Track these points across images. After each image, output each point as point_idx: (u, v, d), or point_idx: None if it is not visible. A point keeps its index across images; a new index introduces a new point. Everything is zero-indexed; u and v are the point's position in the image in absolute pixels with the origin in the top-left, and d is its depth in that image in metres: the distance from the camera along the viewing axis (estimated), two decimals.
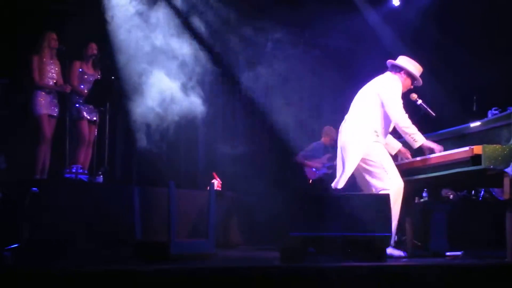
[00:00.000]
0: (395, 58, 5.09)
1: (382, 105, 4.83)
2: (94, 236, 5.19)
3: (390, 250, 4.55)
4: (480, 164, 4.22)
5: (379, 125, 4.84)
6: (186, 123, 8.34)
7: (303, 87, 9.20)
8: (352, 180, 5.01)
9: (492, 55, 8.23)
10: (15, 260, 4.16)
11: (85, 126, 6.67)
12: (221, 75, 8.77)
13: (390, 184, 4.65)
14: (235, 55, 8.84)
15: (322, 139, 8.08)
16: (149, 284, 3.08)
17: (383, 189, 4.63)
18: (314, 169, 7.88)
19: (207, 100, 8.57)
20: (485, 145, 4.24)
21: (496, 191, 6.97)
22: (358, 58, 9.08)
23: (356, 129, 4.84)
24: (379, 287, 3.36)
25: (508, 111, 4.53)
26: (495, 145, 4.25)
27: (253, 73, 8.92)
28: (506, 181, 4.21)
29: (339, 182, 4.85)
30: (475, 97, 6.53)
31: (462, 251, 5.04)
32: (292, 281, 3.27)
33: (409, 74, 4.96)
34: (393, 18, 8.70)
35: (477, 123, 4.83)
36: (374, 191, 4.72)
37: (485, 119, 5.00)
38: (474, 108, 6.95)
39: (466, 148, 4.38)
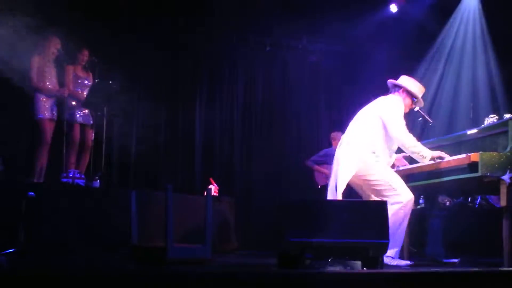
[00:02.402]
0: (394, 71, 5.08)
1: (384, 127, 4.80)
2: (91, 240, 5.18)
3: (396, 262, 4.59)
4: (477, 171, 4.24)
5: (379, 146, 4.81)
6: (183, 127, 8.37)
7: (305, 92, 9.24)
8: (350, 191, 5.03)
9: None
10: (10, 264, 4.14)
11: (76, 130, 6.66)
12: (220, 78, 8.80)
13: (401, 198, 4.66)
14: (235, 58, 8.89)
15: (333, 145, 8.11)
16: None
17: (395, 203, 4.64)
18: (324, 175, 7.91)
19: (205, 103, 8.63)
20: (482, 152, 4.26)
21: (492, 198, 6.99)
22: (361, 63, 9.13)
23: (354, 151, 4.80)
24: None
25: (505, 118, 4.54)
26: (492, 153, 4.28)
27: (252, 77, 8.98)
28: (503, 189, 4.23)
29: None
30: (471, 104, 6.56)
31: (458, 258, 5.06)
32: (290, 287, 3.27)
33: (410, 94, 4.94)
34: (392, 25, 8.72)
35: (474, 130, 4.86)
36: None
37: (482, 126, 5.02)
38: (471, 115, 6.96)
39: (463, 155, 4.40)
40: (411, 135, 4.77)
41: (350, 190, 4.98)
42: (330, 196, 4.88)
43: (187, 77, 8.54)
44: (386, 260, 4.52)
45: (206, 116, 8.63)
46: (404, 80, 5.00)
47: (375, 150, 4.79)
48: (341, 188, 4.76)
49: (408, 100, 4.95)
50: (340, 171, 4.80)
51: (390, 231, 4.47)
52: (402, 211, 4.63)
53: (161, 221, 4.38)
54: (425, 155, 4.71)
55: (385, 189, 4.72)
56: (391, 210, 4.57)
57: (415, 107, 5.00)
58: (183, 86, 8.52)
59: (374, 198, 4.84)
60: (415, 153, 4.73)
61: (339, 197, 4.76)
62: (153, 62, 8.18)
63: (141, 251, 4.59)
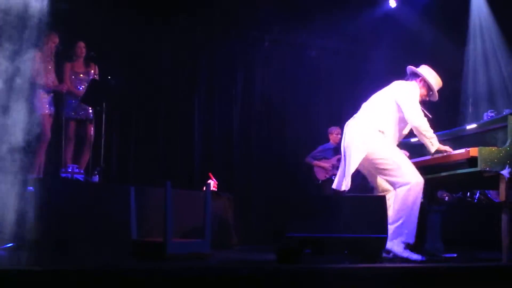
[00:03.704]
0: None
1: (398, 111, 4.73)
2: (90, 236, 5.18)
3: (407, 253, 4.44)
4: (476, 166, 4.24)
5: (388, 128, 4.72)
6: (182, 122, 8.36)
7: (306, 89, 9.22)
8: (356, 181, 4.98)
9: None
10: (9, 259, 4.15)
11: (73, 126, 6.67)
12: (219, 74, 8.80)
13: (409, 178, 4.49)
14: (233, 53, 8.88)
15: (330, 140, 8.14)
16: (145, 284, 3.07)
17: (403, 185, 4.48)
18: (323, 170, 7.93)
19: (204, 99, 8.62)
20: (481, 147, 4.26)
21: (491, 193, 7.00)
22: (365, 61, 9.12)
23: (361, 129, 4.70)
24: None
25: (504, 113, 4.54)
26: (491, 147, 4.28)
27: (250, 74, 8.97)
28: (502, 183, 4.23)
29: (342, 184, 4.70)
30: (470, 100, 6.58)
31: (456, 253, 5.06)
32: (289, 282, 3.27)
33: (427, 85, 4.84)
34: (391, 20, 8.71)
35: (473, 125, 4.85)
36: (393, 190, 4.60)
37: (481, 121, 5.02)
38: (470, 111, 6.98)
39: (463, 150, 4.40)
40: (426, 119, 4.65)
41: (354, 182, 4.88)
42: (336, 183, 4.77)
43: (186, 72, 8.53)
44: (396, 248, 4.42)
45: (205, 111, 8.63)
46: (424, 70, 4.88)
47: (383, 130, 4.69)
48: (353, 169, 4.61)
49: (424, 91, 4.85)
50: (352, 152, 4.66)
51: (402, 214, 4.42)
52: (411, 195, 4.44)
53: (160, 216, 4.38)
54: (434, 144, 4.59)
55: (391, 169, 4.56)
56: (399, 194, 4.48)
57: (428, 99, 4.89)
58: (182, 81, 8.51)
59: (381, 182, 4.72)
60: (427, 138, 4.60)
61: (349, 179, 4.60)
62: (152, 58, 8.18)
63: (140, 246, 4.59)
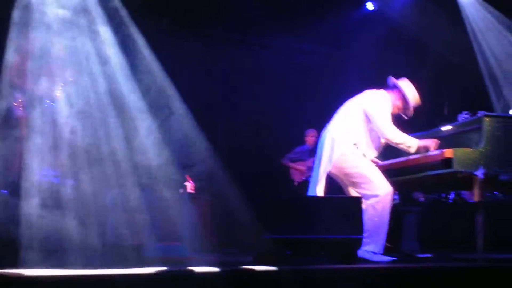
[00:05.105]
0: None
1: (367, 121, 4.80)
2: (66, 239, 5.12)
3: (377, 258, 4.50)
4: (451, 167, 4.29)
5: (361, 139, 4.80)
6: (163, 123, 8.31)
7: (286, 90, 9.24)
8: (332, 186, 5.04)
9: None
10: None
11: (47, 127, 6.60)
12: (203, 74, 8.77)
13: (378, 191, 4.61)
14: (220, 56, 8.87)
15: (306, 142, 8.17)
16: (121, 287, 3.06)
17: (372, 197, 4.59)
18: (299, 172, 7.97)
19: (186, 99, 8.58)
20: (456, 148, 4.31)
21: (466, 193, 7.08)
22: (343, 64, 9.17)
23: (335, 141, 4.78)
24: None
25: (478, 115, 4.60)
26: (465, 149, 4.33)
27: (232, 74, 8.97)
28: (476, 184, 4.28)
29: (315, 191, 4.78)
30: (446, 102, 6.62)
31: (432, 253, 5.11)
32: (267, 284, 3.28)
33: (404, 98, 4.88)
34: (368, 23, 8.78)
35: (448, 127, 4.91)
36: (364, 201, 4.64)
37: (456, 122, 5.08)
38: (446, 112, 7.04)
39: (437, 152, 4.45)
40: (394, 127, 4.72)
41: (331, 184, 4.95)
42: (312, 188, 4.83)
43: (169, 73, 8.48)
44: (367, 255, 4.49)
45: (186, 112, 8.58)
46: (404, 84, 4.94)
47: (356, 142, 4.77)
48: (321, 179, 4.74)
49: (399, 103, 4.90)
50: (321, 161, 4.79)
51: (370, 225, 4.50)
52: (380, 205, 4.56)
53: (138, 219, 4.36)
54: (410, 145, 4.65)
55: (362, 182, 4.67)
56: (369, 204, 4.58)
57: (401, 115, 4.93)
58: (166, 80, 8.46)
59: (353, 191, 4.82)
60: (400, 144, 4.68)
61: (320, 188, 4.71)
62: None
63: (117, 249, 4.56)
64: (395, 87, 4.93)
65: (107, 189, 4.94)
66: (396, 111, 4.91)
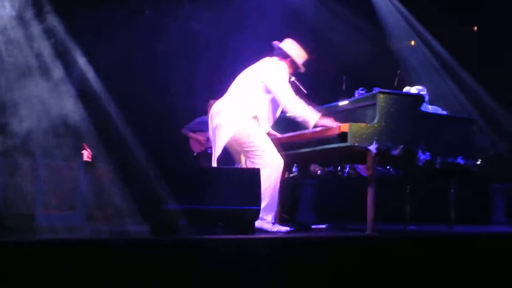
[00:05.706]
0: (276, 37, 5.02)
1: (266, 92, 4.78)
2: None
3: (276, 228, 4.56)
4: (346, 141, 4.40)
5: (261, 112, 4.80)
6: (50, 90, 7.98)
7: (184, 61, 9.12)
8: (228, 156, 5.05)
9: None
10: None
11: None
12: (98, 40, 8.47)
13: (269, 162, 4.64)
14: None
15: (208, 113, 8.11)
16: (11, 256, 2.93)
17: (263, 168, 4.58)
18: (199, 143, 7.94)
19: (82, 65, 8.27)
20: (351, 123, 4.43)
21: (360, 167, 7.34)
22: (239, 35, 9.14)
23: (232, 112, 4.76)
24: (247, 259, 3.43)
25: (374, 91, 4.74)
26: (360, 124, 4.45)
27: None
28: (369, 158, 4.43)
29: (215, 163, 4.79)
30: (344, 77, 6.79)
31: (326, 224, 5.28)
32: (163, 253, 3.26)
33: (293, 60, 4.88)
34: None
35: (345, 102, 5.04)
36: None
37: (353, 98, 5.22)
38: (344, 87, 7.23)
39: (334, 126, 4.56)
40: (297, 98, 4.74)
41: (226, 156, 4.98)
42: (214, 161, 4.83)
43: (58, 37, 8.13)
44: (267, 226, 4.54)
45: (82, 78, 8.28)
46: (288, 45, 4.92)
47: (256, 114, 4.77)
48: (218, 151, 4.74)
49: (291, 68, 4.90)
50: (220, 134, 4.76)
51: (267, 195, 4.56)
52: (273, 175, 4.60)
53: (30, 188, 4.19)
54: (308, 119, 4.68)
55: (255, 152, 4.69)
56: (263, 174, 4.57)
57: (291, 78, 4.93)
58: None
59: (247, 162, 4.83)
60: (300, 116, 4.70)
61: (215, 160, 4.73)
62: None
63: (6, 218, 4.36)
64: (280, 50, 4.92)
65: None
66: (291, 74, 4.92)
